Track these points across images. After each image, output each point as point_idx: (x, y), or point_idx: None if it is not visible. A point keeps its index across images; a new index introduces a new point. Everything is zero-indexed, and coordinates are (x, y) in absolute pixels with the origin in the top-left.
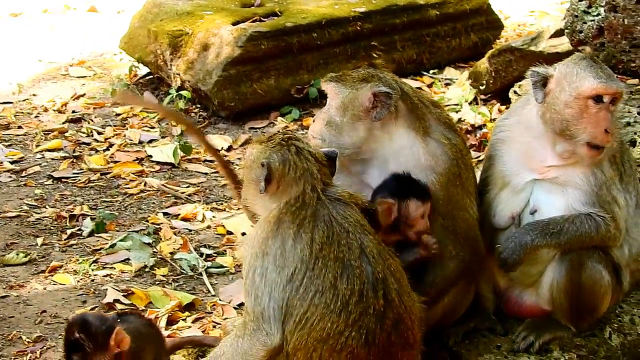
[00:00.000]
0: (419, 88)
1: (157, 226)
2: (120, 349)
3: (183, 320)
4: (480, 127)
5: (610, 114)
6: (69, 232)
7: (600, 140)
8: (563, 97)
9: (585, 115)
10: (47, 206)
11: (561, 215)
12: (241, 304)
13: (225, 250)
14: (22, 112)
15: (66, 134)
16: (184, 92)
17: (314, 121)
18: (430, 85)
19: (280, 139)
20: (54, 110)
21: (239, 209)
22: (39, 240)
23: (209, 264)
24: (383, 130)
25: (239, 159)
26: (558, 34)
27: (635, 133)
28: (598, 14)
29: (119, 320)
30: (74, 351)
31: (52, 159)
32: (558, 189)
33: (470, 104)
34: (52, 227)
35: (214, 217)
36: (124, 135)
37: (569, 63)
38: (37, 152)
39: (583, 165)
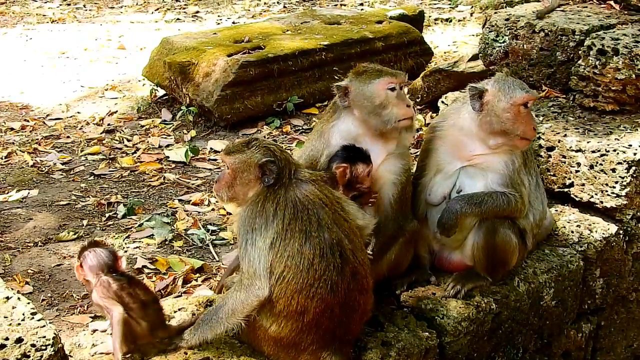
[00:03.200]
0: None
1: (174, 209)
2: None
3: (195, 280)
4: (417, 130)
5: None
6: (107, 215)
7: (530, 134)
8: (501, 105)
9: (519, 118)
10: (90, 196)
11: (482, 191)
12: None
13: (226, 227)
14: (70, 126)
15: (103, 142)
16: (192, 108)
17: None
18: None
19: (262, 145)
20: (93, 123)
21: None
22: (84, 222)
23: (213, 237)
24: None
25: None
26: (474, 58)
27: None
28: (504, 41)
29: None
30: None
31: (93, 160)
32: (479, 174)
33: None
34: (94, 212)
35: (216, 202)
36: (147, 142)
37: (500, 80)
38: (81, 156)
39: (504, 154)
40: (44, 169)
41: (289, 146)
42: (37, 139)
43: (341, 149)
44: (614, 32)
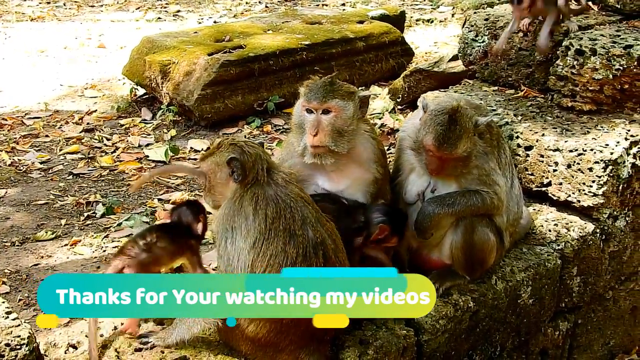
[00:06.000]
0: None
1: (154, 209)
2: None
3: None
4: (397, 130)
5: (442, 161)
6: (85, 214)
7: (431, 173)
8: (419, 135)
9: (425, 154)
10: (68, 195)
11: (455, 191)
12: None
13: None
14: (49, 125)
15: (82, 141)
16: (172, 107)
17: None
18: None
19: (229, 143)
20: (73, 122)
21: None
22: (63, 222)
23: None
24: None
25: None
26: (454, 58)
27: (512, 130)
28: (483, 41)
29: None
30: None
31: (72, 159)
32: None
33: (390, 112)
34: (72, 211)
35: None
36: (127, 141)
37: (432, 115)
38: (60, 155)
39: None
40: (22, 168)
41: (270, 146)
42: (15, 138)
43: (396, 212)
44: (591, 32)
